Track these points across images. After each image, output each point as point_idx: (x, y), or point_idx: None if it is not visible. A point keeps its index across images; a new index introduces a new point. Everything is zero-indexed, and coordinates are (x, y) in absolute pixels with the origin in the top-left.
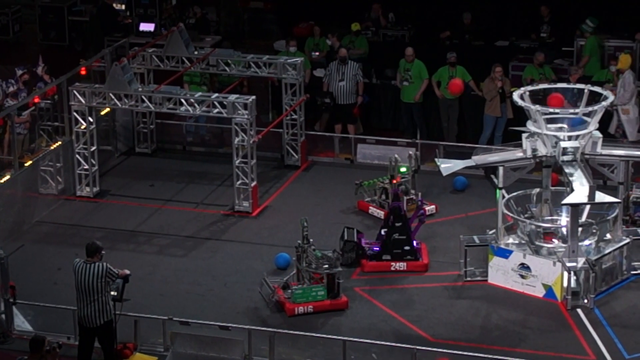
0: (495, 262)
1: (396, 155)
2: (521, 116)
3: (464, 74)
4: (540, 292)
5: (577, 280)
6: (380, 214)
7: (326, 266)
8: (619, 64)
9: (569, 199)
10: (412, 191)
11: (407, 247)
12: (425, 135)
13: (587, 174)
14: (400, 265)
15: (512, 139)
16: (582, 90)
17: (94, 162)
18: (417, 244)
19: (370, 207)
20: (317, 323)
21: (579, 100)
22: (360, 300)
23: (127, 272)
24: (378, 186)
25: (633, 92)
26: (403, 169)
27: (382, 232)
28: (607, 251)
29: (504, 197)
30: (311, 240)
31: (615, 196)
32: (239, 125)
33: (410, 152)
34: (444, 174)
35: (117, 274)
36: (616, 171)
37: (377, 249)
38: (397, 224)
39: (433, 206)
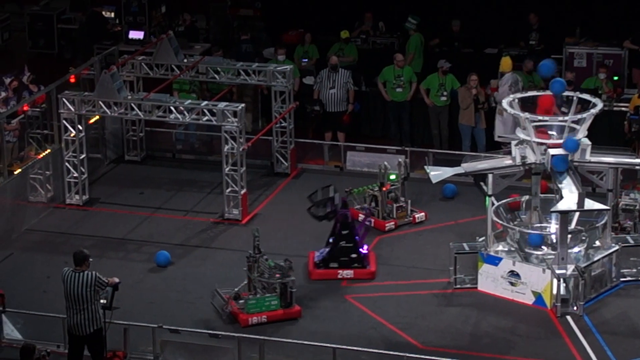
0: (484, 269)
1: (385, 163)
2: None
3: (454, 81)
4: (529, 300)
5: (566, 288)
6: (370, 221)
7: (278, 276)
8: (501, 67)
9: (558, 206)
10: (402, 198)
11: (354, 255)
12: (410, 140)
13: (577, 181)
14: (348, 273)
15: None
16: (571, 98)
17: (83, 170)
18: (365, 251)
19: (360, 215)
20: (306, 331)
21: (568, 107)
22: (349, 308)
23: (117, 280)
24: (368, 194)
25: (504, 93)
26: (392, 177)
27: (330, 239)
28: (596, 258)
29: (493, 204)
30: (262, 250)
31: (605, 203)
32: (228, 133)
33: (400, 160)
34: (434, 181)
35: (107, 282)
36: (605, 178)
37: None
38: (344, 232)
39: (423, 213)
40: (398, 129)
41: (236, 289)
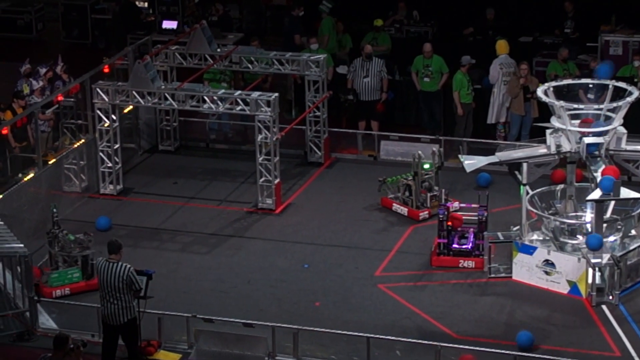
0: (519, 258)
1: (419, 152)
2: (548, 115)
3: (442, 65)
4: (564, 289)
5: (602, 277)
6: (404, 210)
7: (78, 250)
8: (497, 50)
9: (594, 195)
10: (436, 187)
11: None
12: (443, 130)
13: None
14: (469, 263)
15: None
16: (607, 85)
17: (117, 159)
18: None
19: (394, 204)
20: (340, 320)
21: (602, 95)
22: (383, 297)
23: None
24: (401, 183)
25: (494, 76)
26: (426, 166)
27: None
28: (632, 247)
29: (528, 193)
30: (62, 225)
31: None
32: (262, 123)
33: (434, 149)
34: (468, 170)
35: (139, 285)
36: None
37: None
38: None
39: (457, 203)
40: (431, 118)
41: (39, 264)
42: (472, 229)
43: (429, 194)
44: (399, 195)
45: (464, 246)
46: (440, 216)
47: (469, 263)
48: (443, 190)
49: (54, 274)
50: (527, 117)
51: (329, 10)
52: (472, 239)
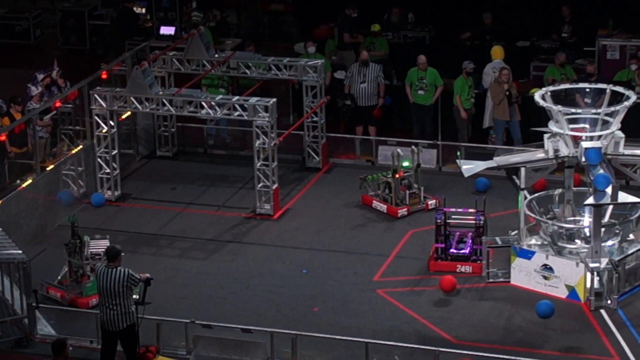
0: (517, 263)
1: (398, 150)
2: (533, 118)
3: (437, 77)
4: (563, 293)
5: (600, 281)
6: (384, 207)
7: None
8: (492, 55)
9: (592, 200)
10: (415, 185)
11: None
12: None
13: (610, 174)
14: (467, 268)
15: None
16: (604, 90)
17: (115, 165)
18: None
19: (374, 201)
20: (339, 325)
21: (599, 100)
22: (382, 302)
23: (148, 275)
24: (382, 180)
25: (486, 81)
26: (406, 164)
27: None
28: (630, 251)
29: (526, 198)
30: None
31: (638, 196)
32: (260, 128)
33: (413, 148)
34: (466, 175)
35: (139, 278)
36: (639, 171)
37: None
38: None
39: (435, 200)
40: (421, 132)
41: (58, 279)
42: (470, 234)
43: (408, 192)
44: (379, 193)
45: (461, 251)
46: (438, 220)
47: (466, 268)
48: (422, 188)
49: (88, 284)
50: (513, 121)
51: (200, 20)
52: (470, 244)
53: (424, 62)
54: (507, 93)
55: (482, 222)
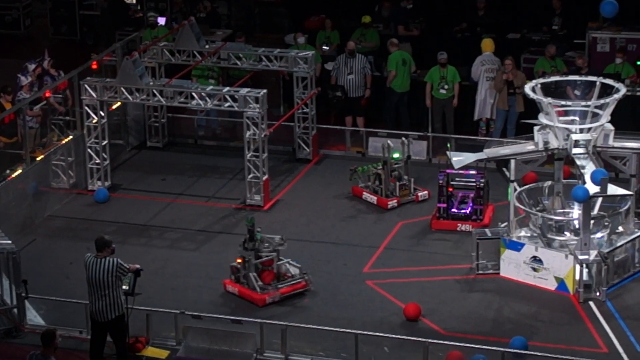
0: (507, 255)
1: (389, 142)
2: (533, 110)
3: (455, 75)
4: (552, 285)
5: (589, 273)
6: (374, 199)
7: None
8: (482, 48)
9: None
10: (405, 177)
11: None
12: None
13: (599, 166)
14: (466, 227)
15: (525, 132)
16: (594, 82)
17: (105, 156)
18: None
19: (364, 193)
20: (328, 317)
21: (589, 92)
22: (371, 294)
23: (138, 266)
24: (372, 172)
25: (475, 73)
26: (396, 155)
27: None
28: (619, 244)
29: (515, 190)
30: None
31: (628, 189)
32: (250, 119)
33: (403, 139)
34: (456, 167)
35: (128, 268)
36: (628, 164)
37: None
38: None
39: (426, 192)
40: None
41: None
42: (472, 195)
43: (398, 183)
44: (369, 184)
45: (462, 211)
46: (440, 181)
47: (466, 227)
48: (412, 180)
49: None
50: (512, 111)
51: (155, 20)
52: (471, 204)
53: (445, 60)
54: (505, 83)
55: (482, 184)
